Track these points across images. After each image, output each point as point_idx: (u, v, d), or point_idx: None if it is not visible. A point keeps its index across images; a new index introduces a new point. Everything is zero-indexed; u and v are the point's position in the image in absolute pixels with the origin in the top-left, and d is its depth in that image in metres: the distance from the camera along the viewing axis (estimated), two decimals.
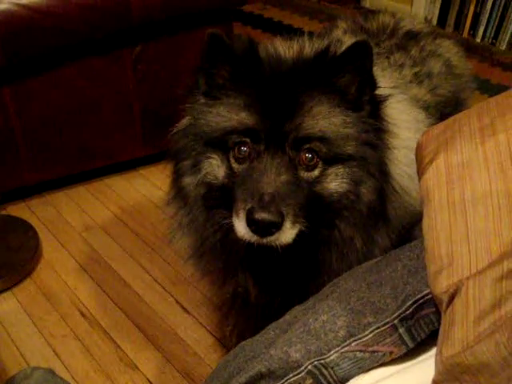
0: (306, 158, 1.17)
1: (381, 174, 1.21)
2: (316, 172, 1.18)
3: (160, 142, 2.59)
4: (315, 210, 1.18)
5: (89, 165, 2.57)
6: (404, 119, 1.33)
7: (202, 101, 1.27)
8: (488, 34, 3.89)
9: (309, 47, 1.28)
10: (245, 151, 1.18)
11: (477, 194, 0.88)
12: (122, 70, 2.35)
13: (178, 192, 1.33)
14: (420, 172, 1.02)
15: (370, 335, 0.93)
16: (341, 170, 1.19)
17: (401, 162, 1.25)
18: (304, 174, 1.18)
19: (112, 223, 2.44)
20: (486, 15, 3.84)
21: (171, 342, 1.91)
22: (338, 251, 1.26)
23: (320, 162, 1.18)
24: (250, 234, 1.11)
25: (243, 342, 1.11)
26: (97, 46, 2.24)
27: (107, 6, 2.11)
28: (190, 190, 1.28)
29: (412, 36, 1.75)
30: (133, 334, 1.95)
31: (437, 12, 4.10)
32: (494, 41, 3.87)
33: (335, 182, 1.19)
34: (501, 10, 3.78)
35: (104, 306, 2.06)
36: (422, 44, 1.73)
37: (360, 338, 0.94)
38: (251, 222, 1.09)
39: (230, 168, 1.21)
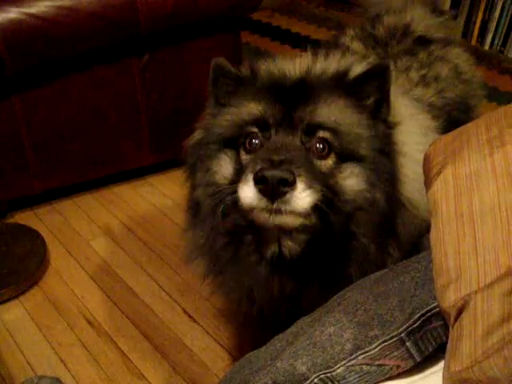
0: (318, 147, 1.15)
1: (390, 185, 1.19)
2: (330, 162, 1.16)
3: (168, 150, 2.63)
4: (329, 207, 1.12)
5: (97, 173, 2.57)
6: (415, 141, 1.32)
7: (212, 111, 1.31)
8: (496, 42, 3.87)
9: (318, 66, 1.29)
10: (256, 144, 1.18)
11: (485, 206, 0.87)
12: (130, 79, 2.36)
13: (193, 207, 1.33)
14: (428, 184, 1.01)
15: (377, 348, 0.93)
16: (356, 168, 1.16)
17: (410, 178, 1.24)
18: (317, 162, 1.15)
19: (120, 231, 2.44)
20: (494, 23, 3.83)
21: (178, 351, 1.91)
22: (356, 259, 1.22)
23: (333, 154, 1.16)
24: (259, 197, 1.05)
25: (249, 354, 1.11)
26: (105, 54, 2.25)
27: (116, 16, 2.12)
28: (202, 201, 1.27)
29: (423, 42, 1.74)
30: (140, 342, 1.95)
31: None
32: (502, 48, 3.85)
33: (351, 179, 1.15)
34: (509, 17, 3.76)
35: (111, 315, 2.06)
36: (431, 49, 1.73)
37: (367, 352, 0.93)
38: (259, 180, 1.03)
39: (239, 162, 1.19)
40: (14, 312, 2.08)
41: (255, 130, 1.18)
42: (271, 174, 1.02)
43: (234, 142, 1.21)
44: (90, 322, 2.03)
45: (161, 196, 2.64)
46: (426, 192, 1.02)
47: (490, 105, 3.04)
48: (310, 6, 4.73)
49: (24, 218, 2.50)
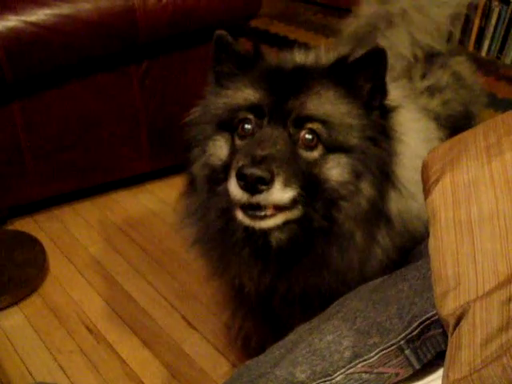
0: (306, 138, 1.17)
1: (382, 173, 1.21)
2: (315, 153, 1.18)
3: (167, 157, 2.63)
4: (312, 195, 1.17)
5: (96, 180, 2.57)
6: (413, 128, 1.34)
7: (212, 91, 1.33)
8: (493, 48, 3.89)
9: (324, 55, 1.33)
10: (248, 129, 1.21)
11: (483, 214, 0.88)
12: (129, 86, 2.36)
13: (190, 181, 1.38)
14: (426, 191, 1.02)
15: (376, 356, 0.93)
16: (343, 159, 1.18)
17: (408, 167, 1.25)
18: (303, 153, 1.18)
19: (119, 238, 2.44)
20: (491, 29, 3.85)
21: (177, 358, 1.91)
22: (338, 245, 1.23)
23: (320, 145, 1.18)
24: (240, 191, 1.11)
25: (248, 361, 1.11)
26: (104, 62, 2.26)
27: (114, 24, 2.13)
28: (197, 175, 1.32)
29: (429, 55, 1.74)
30: (138, 349, 1.94)
31: None
32: (499, 55, 3.87)
33: (336, 170, 1.18)
34: (506, 24, 3.78)
35: (110, 322, 2.05)
36: (433, 59, 1.73)
37: (366, 360, 0.93)
38: (240, 177, 1.09)
39: (233, 146, 1.23)
40: (14, 319, 2.08)
41: (250, 116, 1.21)
42: (250, 172, 1.08)
43: (229, 125, 1.24)
44: (89, 329, 2.03)
45: (160, 202, 2.64)
46: (425, 199, 1.02)
47: (487, 111, 3.04)
48: (307, 13, 4.75)
49: (23, 224, 2.50)
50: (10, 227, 2.48)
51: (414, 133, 1.33)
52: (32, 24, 2.02)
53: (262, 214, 1.14)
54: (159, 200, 2.66)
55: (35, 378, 1.85)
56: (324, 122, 1.17)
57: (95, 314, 2.09)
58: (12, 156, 2.28)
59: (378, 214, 1.23)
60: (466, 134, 1.06)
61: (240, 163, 1.10)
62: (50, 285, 2.21)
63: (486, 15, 3.86)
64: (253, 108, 1.20)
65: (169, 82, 2.45)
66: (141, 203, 2.64)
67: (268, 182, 1.09)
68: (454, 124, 1.62)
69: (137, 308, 2.11)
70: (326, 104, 1.18)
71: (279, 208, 1.15)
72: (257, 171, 1.07)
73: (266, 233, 1.22)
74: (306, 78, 1.21)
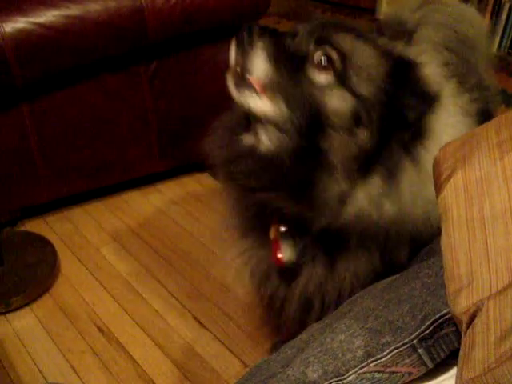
0: (321, 59, 1.14)
1: (386, 126, 1.16)
2: (323, 78, 1.14)
3: (177, 157, 2.64)
4: (299, 110, 1.14)
5: (106, 180, 2.58)
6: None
7: None
8: (504, 44, 3.86)
9: None
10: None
11: (496, 210, 0.86)
12: (138, 86, 2.37)
13: None
14: (437, 188, 1.01)
15: (389, 355, 0.92)
16: (348, 96, 1.14)
17: (433, 153, 1.16)
18: (311, 73, 1.15)
19: (129, 238, 2.44)
20: (502, 25, 3.82)
21: (188, 358, 1.91)
22: (321, 177, 1.16)
23: (331, 74, 1.14)
24: (235, 49, 1.14)
25: (260, 361, 1.10)
26: (113, 63, 2.26)
27: (123, 24, 2.13)
28: None
29: None
30: (150, 349, 1.95)
31: None
32: (510, 51, 3.84)
33: (337, 101, 1.14)
34: None
35: (122, 322, 2.06)
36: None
37: (378, 359, 0.92)
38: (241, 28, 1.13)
39: None
40: (25, 319, 2.09)
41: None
42: (250, 25, 1.12)
43: None
44: (100, 329, 2.03)
45: (170, 203, 2.65)
46: (436, 197, 1.01)
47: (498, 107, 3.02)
48: (316, 11, 4.73)
49: (34, 226, 2.51)
50: (22, 228, 2.50)
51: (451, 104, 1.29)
52: (41, 25, 2.02)
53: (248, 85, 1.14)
54: (170, 200, 2.66)
55: (47, 378, 1.86)
56: (343, 54, 1.14)
57: (106, 314, 2.09)
58: (22, 158, 2.30)
59: (366, 168, 1.17)
60: (477, 130, 1.04)
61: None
62: (61, 285, 2.22)
63: (497, 11, 3.83)
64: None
65: (178, 82, 2.45)
66: (151, 203, 2.65)
67: (252, 42, 1.11)
68: (479, 121, 1.60)
69: (148, 308, 2.11)
70: (350, 42, 1.17)
71: (261, 89, 1.14)
72: (256, 26, 1.12)
73: (256, 133, 1.21)
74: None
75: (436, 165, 1.05)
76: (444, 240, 0.93)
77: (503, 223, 0.84)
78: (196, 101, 2.53)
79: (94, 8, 2.10)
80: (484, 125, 1.04)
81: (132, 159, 2.55)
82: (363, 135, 1.15)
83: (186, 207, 2.61)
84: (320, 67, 1.14)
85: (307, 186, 1.19)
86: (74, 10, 2.07)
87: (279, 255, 1.30)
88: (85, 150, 2.41)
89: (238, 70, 1.14)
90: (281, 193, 1.22)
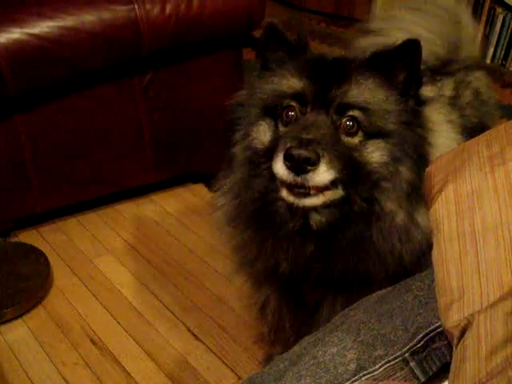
0: (348, 124, 1.24)
1: (419, 156, 1.26)
2: (356, 140, 1.24)
3: (171, 168, 2.64)
4: (353, 178, 1.23)
5: (100, 191, 2.57)
6: (442, 121, 1.41)
7: (258, 76, 1.39)
8: (498, 55, 3.89)
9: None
10: (292, 115, 1.28)
11: (487, 224, 0.87)
12: (133, 97, 2.37)
13: (228, 162, 1.41)
14: (429, 201, 1.01)
15: (381, 369, 0.92)
16: (381, 144, 1.24)
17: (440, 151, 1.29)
18: (344, 139, 1.24)
19: (123, 250, 2.44)
20: (496, 36, 3.85)
21: (182, 370, 1.90)
22: (379, 225, 1.27)
23: (360, 132, 1.24)
24: (287, 171, 1.17)
25: (252, 375, 1.10)
26: (107, 73, 2.26)
27: (118, 36, 2.14)
28: (238, 156, 1.37)
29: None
30: (143, 361, 1.94)
31: None
32: (503, 62, 3.87)
33: (376, 153, 1.24)
34: (510, 31, 3.79)
35: (115, 334, 2.05)
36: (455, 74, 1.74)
37: (370, 372, 0.92)
38: (288, 158, 1.15)
39: (276, 132, 1.30)
40: (18, 331, 2.07)
41: (294, 103, 1.27)
42: (298, 153, 1.14)
43: (274, 111, 1.30)
44: (93, 341, 2.02)
45: (164, 213, 2.64)
46: (428, 210, 1.01)
47: None
48: (311, 22, 4.76)
49: (28, 236, 2.50)
50: (15, 239, 2.49)
51: (445, 126, 1.40)
52: (35, 36, 2.03)
53: (306, 191, 1.20)
54: (164, 211, 2.66)
55: None
56: (364, 109, 1.23)
57: (99, 326, 2.08)
58: (16, 168, 2.29)
59: (416, 195, 1.27)
60: (468, 143, 1.05)
61: (288, 145, 1.17)
62: (54, 297, 2.21)
63: (490, 22, 3.86)
64: (297, 96, 1.27)
65: (172, 93, 2.45)
66: (145, 214, 2.64)
67: (314, 163, 1.15)
68: (470, 134, 1.62)
69: (141, 320, 2.10)
70: (366, 92, 1.25)
71: (321, 189, 1.21)
72: (304, 152, 1.14)
73: (306, 214, 1.27)
74: (346, 68, 1.28)
75: (428, 178, 1.05)
76: (435, 253, 0.93)
77: (494, 237, 0.85)
78: (190, 112, 2.53)
79: (88, 19, 2.10)
80: (475, 138, 1.05)
81: (126, 170, 2.55)
82: (404, 169, 1.26)
83: (181, 218, 2.60)
84: (349, 133, 1.24)
85: (363, 241, 1.29)
86: (68, 21, 2.08)
87: None
88: (79, 161, 2.41)
89: (293, 182, 1.19)
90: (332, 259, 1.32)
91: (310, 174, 1.16)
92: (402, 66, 1.26)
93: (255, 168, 1.32)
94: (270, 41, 1.36)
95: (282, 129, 1.29)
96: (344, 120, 1.24)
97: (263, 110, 1.32)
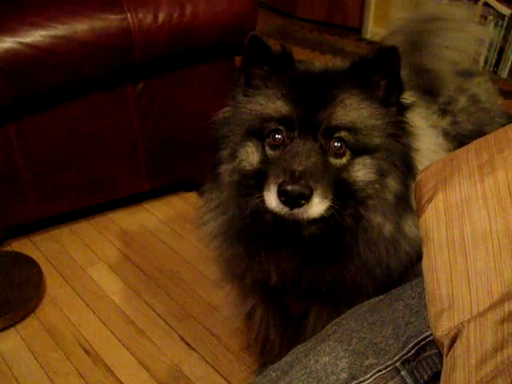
0: (336, 146, 1.24)
1: (405, 166, 1.28)
2: (344, 160, 1.25)
3: (164, 176, 2.64)
4: (341, 196, 1.24)
5: (93, 200, 2.57)
6: (425, 126, 1.43)
7: (243, 92, 1.36)
8: (489, 62, 3.91)
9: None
10: (279, 139, 1.27)
11: (477, 233, 0.87)
12: (125, 106, 2.37)
13: (214, 179, 1.40)
14: (419, 210, 1.01)
15: (372, 378, 0.92)
16: (368, 160, 1.26)
17: (423, 163, 1.29)
18: (333, 161, 1.25)
19: (116, 258, 2.43)
20: (487, 43, 3.86)
21: (175, 379, 1.89)
22: (366, 239, 1.29)
23: (348, 151, 1.25)
24: (281, 205, 1.18)
25: None
26: (100, 82, 2.27)
27: (110, 44, 2.14)
28: (226, 177, 1.36)
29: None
30: (136, 370, 1.93)
31: None
32: (495, 69, 3.89)
33: (362, 171, 1.25)
34: (501, 37, 3.81)
35: (108, 343, 2.04)
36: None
37: (362, 381, 0.92)
38: (282, 193, 1.16)
39: (264, 154, 1.29)
40: (10, 341, 2.07)
41: (281, 127, 1.27)
42: (291, 189, 1.15)
43: (260, 132, 1.29)
44: (86, 351, 2.01)
45: (157, 222, 2.64)
46: (418, 219, 1.02)
47: None
48: (303, 30, 4.78)
49: (20, 245, 2.50)
50: (7, 248, 2.48)
51: (427, 130, 1.42)
52: (28, 45, 2.03)
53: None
54: (156, 219, 2.66)
55: None
56: (350, 129, 1.24)
57: (92, 335, 2.08)
58: (9, 177, 2.29)
59: (404, 206, 1.29)
60: (458, 152, 1.05)
61: (280, 179, 1.17)
62: (46, 306, 2.21)
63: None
64: (284, 120, 1.26)
65: (165, 102, 2.46)
66: (138, 223, 2.64)
67: (307, 198, 1.16)
68: (464, 141, 1.62)
69: (134, 329, 2.10)
70: (351, 111, 1.25)
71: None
72: (298, 188, 1.15)
73: (298, 226, 1.27)
74: (330, 86, 1.27)
75: (417, 187, 1.06)
76: (425, 262, 0.94)
77: (483, 245, 0.85)
78: (183, 121, 2.53)
79: (80, 28, 2.10)
80: (464, 147, 1.05)
81: (119, 179, 2.55)
82: (391, 181, 1.28)
83: (173, 226, 2.60)
84: (337, 154, 1.25)
85: (351, 253, 1.31)
86: (61, 30, 2.08)
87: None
88: (72, 170, 2.41)
89: (286, 215, 1.20)
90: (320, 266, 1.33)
91: (304, 207, 1.17)
92: (383, 74, 1.27)
93: (244, 189, 1.32)
94: (253, 54, 1.34)
95: (269, 151, 1.28)
96: (332, 142, 1.24)
97: (249, 130, 1.31)
